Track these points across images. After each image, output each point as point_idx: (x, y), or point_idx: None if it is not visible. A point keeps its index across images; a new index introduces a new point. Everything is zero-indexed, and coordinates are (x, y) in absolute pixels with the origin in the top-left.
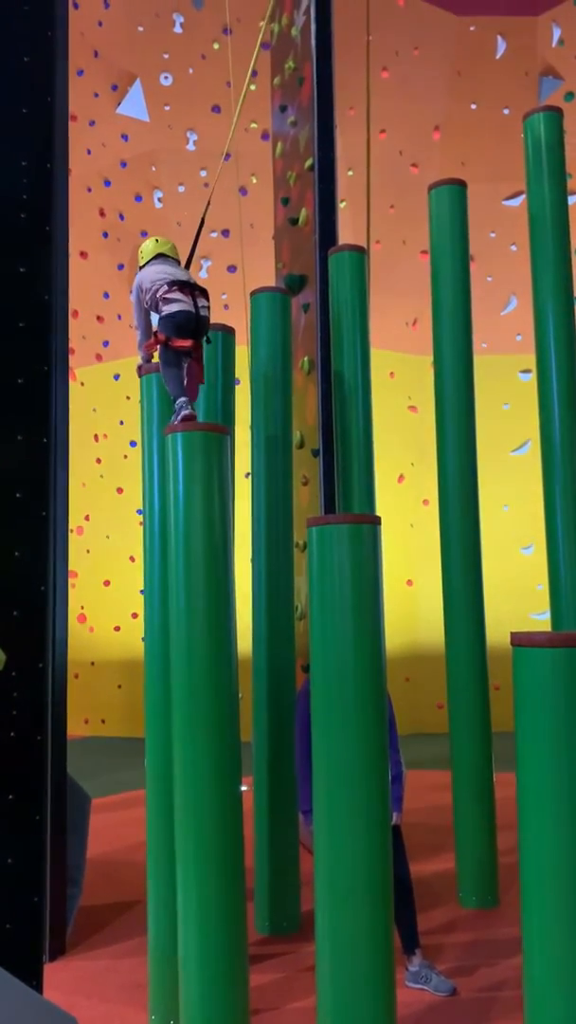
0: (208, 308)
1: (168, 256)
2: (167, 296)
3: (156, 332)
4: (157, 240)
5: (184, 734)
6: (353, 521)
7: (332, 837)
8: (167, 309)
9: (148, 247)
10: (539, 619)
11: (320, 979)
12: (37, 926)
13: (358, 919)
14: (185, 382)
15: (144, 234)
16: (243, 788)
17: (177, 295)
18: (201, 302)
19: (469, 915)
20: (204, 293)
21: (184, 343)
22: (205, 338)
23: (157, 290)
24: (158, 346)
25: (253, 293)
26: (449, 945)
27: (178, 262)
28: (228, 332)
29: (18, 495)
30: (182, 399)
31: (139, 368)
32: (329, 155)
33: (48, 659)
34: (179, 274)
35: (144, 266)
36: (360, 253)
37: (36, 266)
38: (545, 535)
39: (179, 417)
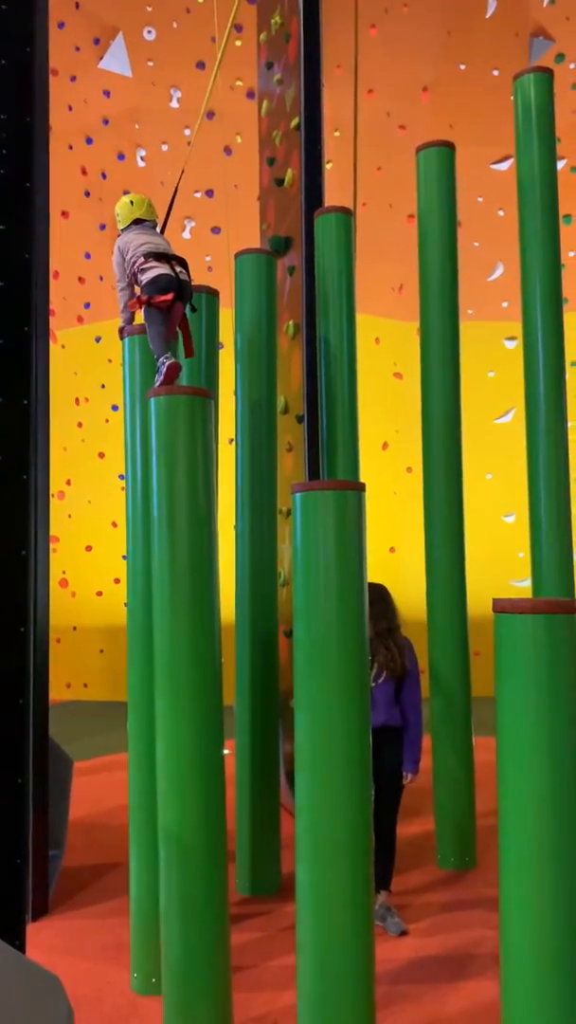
0: (187, 274)
1: (145, 220)
2: (144, 267)
3: (139, 294)
4: (132, 201)
5: (166, 698)
6: (338, 487)
7: (313, 799)
8: (147, 276)
9: (124, 210)
10: (520, 586)
11: (300, 937)
12: (19, 886)
13: (338, 878)
14: (172, 337)
15: (127, 193)
16: (225, 752)
17: (154, 263)
18: (179, 270)
19: (447, 876)
20: (182, 262)
21: (165, 298)
22: (190, 306)
23: (135, 261)
24: (141, 307)
25: (238, 255)
26: (427, 904)
27: (155, 224)
28: (212, 294)
29: None
30: (165, 355)
31: (121, 331)
32: (316, 115)
33: (30, 623)
34: (157, 244)
35: (123, 231)
36: (347, 215)
37: (16, 224)
38: (528, 503)
39: (163, 370)
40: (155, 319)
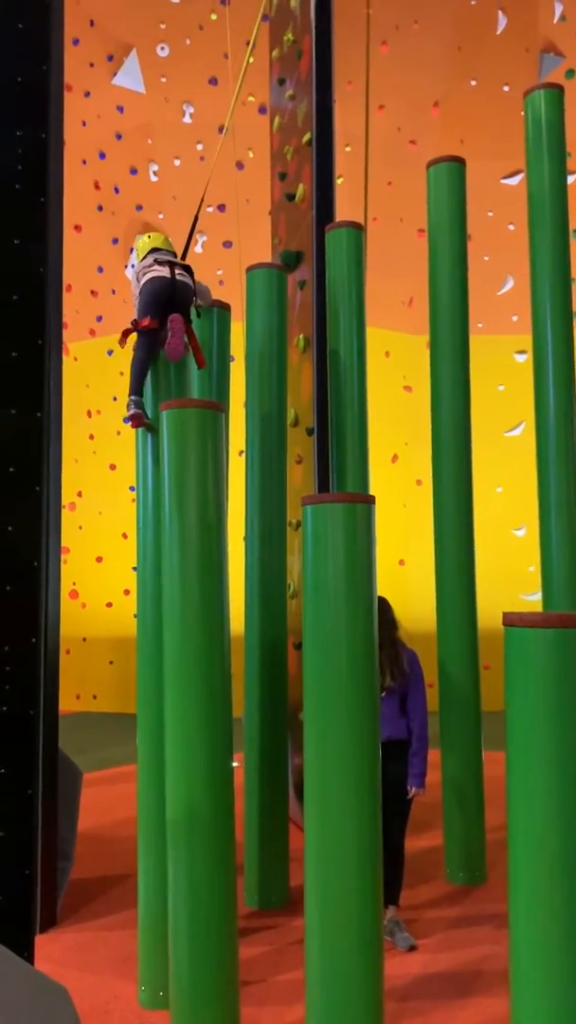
0: (187, 275)
1: (162, 249)
2: (147, 269)
3: (132, 320)
4: (150, 236)
5: (176, 710)
6: (347, 500)
7: (322, 813)
8: (144, 278)
9: (141, 244)
10: (530, 600)
11: (308, 952)
12: (28, 898)
13: (346, 892)
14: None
15: (139, 208)
16: (234, 764)
17: (155, 268)
18: (178, 271)
19: (456, 891)
20: (186, 268)
21: (148, 324)
22: (194, 311)
23: (143, 267)
24: (127, 336)
25: (249, 269)
26: (436, 920)
27: (174, 254)
28: (224, 308)
29: (11, 469)
30: (134, 398)
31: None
32: (327, 130)
33: (40, 634)
34: (167, 255)
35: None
36: (358, 230)
37: (31, 238)
38: (538, 516)
39: (130, 412)
40: (142, 343)
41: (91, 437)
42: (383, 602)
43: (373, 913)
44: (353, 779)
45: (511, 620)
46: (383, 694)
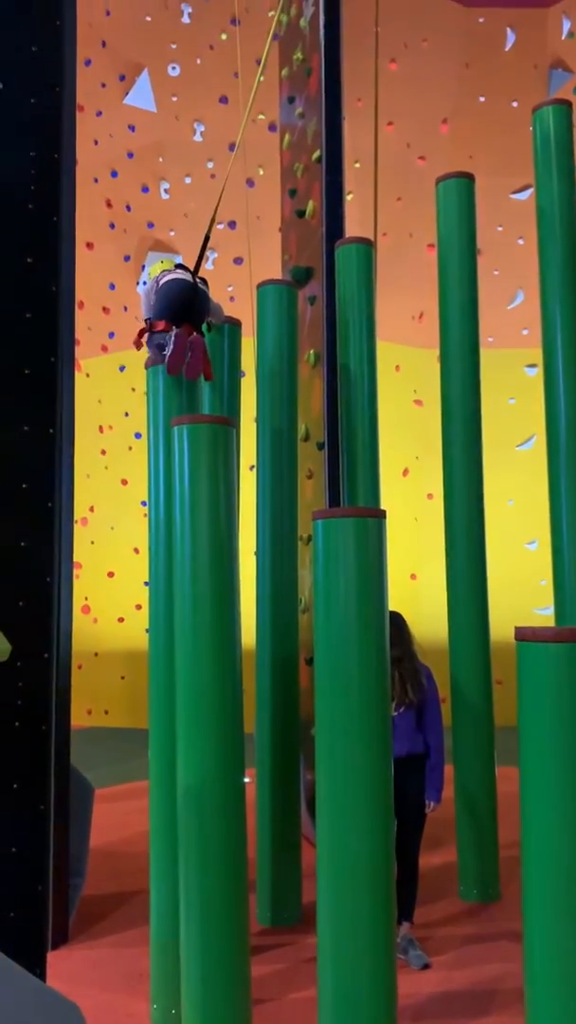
0: (206, 289)
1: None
2: (168, 273)
3: (145, 320)
4: (163, 262)
5: (188, 725)
6: (358, 514)
7: (335, 829)
8: (165, 278)
9: (155, 268)
10: (542, 614)
11: (321, 970)
12: (40, 914)
13: (360, 909)
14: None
15: (151, 225)
16: (246, 780)
17: (177, 271)
18: (199, 279)
19: (470, 908)
20: (202, 279)
21: (166, 329)
22: (206, 325)
23: (159, 277)
24: (143, 336)
25: (259, 285)
26: (449, 938)
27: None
28: (235, 325)
29: (24, 485)
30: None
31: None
32: (337, 148)
33: (53, 649)
34: (183, 271)
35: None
36: (367, 246)
37: (43, 256)
38: (550, 530)
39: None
40: (156, 341)
41: (103, 452)
42: (399, 617)
43: (387, 931)
44: (366, 795)
45: (524, 635)
46: (401, 709)
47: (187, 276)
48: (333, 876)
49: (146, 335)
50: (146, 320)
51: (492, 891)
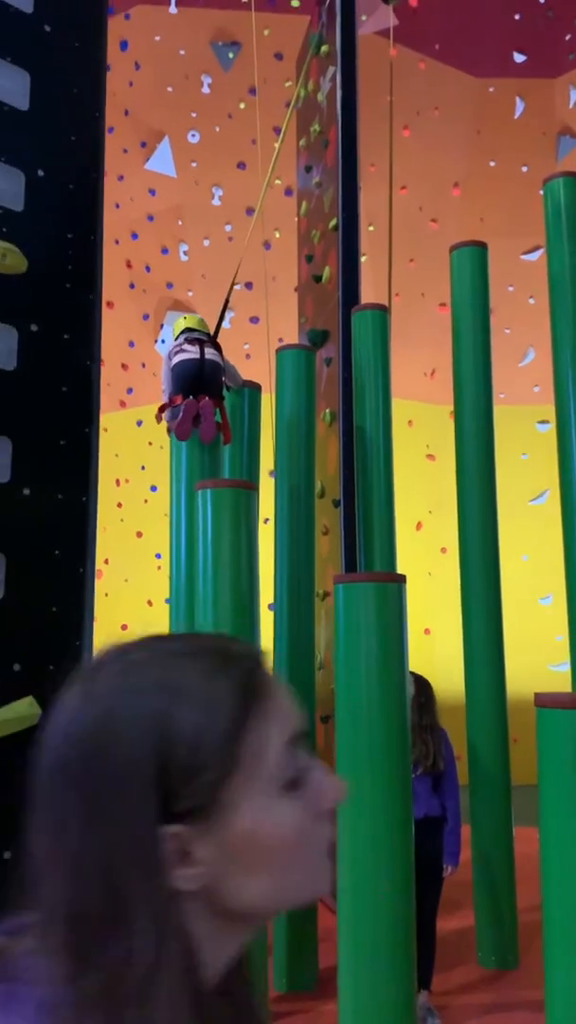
0: (216, 354)
1: (195, 329)
2: (179, 349)
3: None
4: (185, 317)
5: None
6: (379, 580)
7: (355, 893)
8: (175, 360)
9: (177, 325)
10: (558, 671)
11: None
12: None
13: (380, 977)
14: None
15: (170, 286)
16: None
17: (186, 347)
18: (208, 350)
19: (489, 975)
20: (215, 344)
21: (181, 402)
22: (225, 387)
23: (174, 346)
24: (164, 412)
25: (278, 350)
26: (469, 1006)
27: (207, 334)
28: (254, 388)
29: (56, 552)
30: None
31: (168, 425)
32: (353, 217)
33: None
34: (197, 335)
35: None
36: (383, 312)
37: (81, 332)
38: (565, 585)
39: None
40: (175, 414)
41: (119, 505)
42: (426, 684)
43: (407, 998)
44: (387, 858)
45: (543, 701)
46: (419, 771)
47: (194, 352)
48: (353, 943)
49: (166, 411)
50: (168, 398)
51: (511, 957)
